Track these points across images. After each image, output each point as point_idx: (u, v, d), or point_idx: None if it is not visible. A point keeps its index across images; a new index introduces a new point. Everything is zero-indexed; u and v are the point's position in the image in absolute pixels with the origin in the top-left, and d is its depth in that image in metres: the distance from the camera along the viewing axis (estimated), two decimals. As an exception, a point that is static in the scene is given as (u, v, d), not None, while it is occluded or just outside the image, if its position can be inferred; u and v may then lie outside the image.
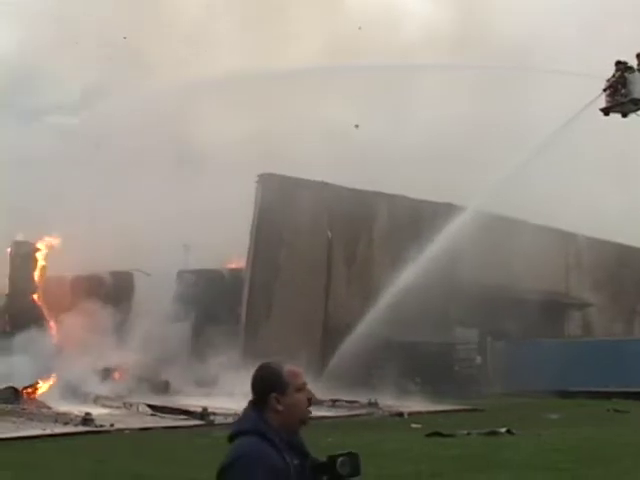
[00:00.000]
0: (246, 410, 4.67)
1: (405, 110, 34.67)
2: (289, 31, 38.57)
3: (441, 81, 35.50)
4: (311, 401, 4.67)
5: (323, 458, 4.59)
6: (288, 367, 4.67)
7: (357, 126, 33.76)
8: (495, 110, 35.22)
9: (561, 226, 40.57)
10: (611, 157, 38.05)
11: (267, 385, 4.62)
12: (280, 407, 4.54)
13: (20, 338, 28.91)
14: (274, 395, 4.55)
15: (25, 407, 24.63)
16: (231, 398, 26.37)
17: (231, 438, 4.68)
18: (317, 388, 28.85)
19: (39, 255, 32.21)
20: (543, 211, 36.79)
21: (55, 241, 31.30)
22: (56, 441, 19.14)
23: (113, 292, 32.05)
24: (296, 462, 4.50)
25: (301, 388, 4.61)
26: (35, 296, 32.06)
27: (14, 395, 25.63)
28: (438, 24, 40.32)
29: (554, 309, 40.18)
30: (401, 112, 34.64)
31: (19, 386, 26.06)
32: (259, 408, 4.59)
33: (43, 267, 32.15)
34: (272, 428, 4.51)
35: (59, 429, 20.82)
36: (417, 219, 34.38)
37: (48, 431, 20.42)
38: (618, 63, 32.34)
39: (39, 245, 32.02)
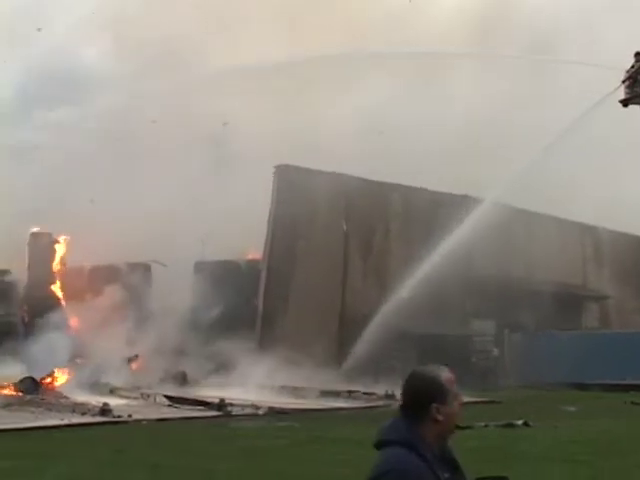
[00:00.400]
0: (396, 418, 4.42)
1: (428, 101, 34.28)
2: (318, 19, 38.26)
3: (466, 70, 35.14)
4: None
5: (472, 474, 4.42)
6: (445, 374, 4.42)
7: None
8: (516, 102, 35.01)
9: (580, 218, 40.52)
10: (631, 148, 37.81)
11: (429, 395, 4.36)
12: (440, 417, 4.32)
13: (38, 328, 29.06)
14: (435, 405, 4.32)
15: (44, 397, 24.68)
16: (248, 389, 26.57)
17: (377, 446, 4.41)
18: (334, 379, 29.07)
19: (57, 246, 32.26)
20: (561, 203, 36.70)
21: (73, 232, 31.27)
22: (74, 431, 19.15)
23: (130, 283, 31.97)
24: (446, 476, 4.27)
25: (457, 395, 4.40)
26: (53, 287, 32.11)
27: (33, 385, 25.74)
28: (462, 12, 39.83)
29: (571, 301, 40.11)
30: (424, 102, 34.25)
31: (37, 376, 26.15)
32: (413, 418, 4.34)
33: (61, 258, 32.20)
34: (424, 440, 4.29)
35: (77, 419, 20.82)
36: (434, 211, 34.27)
37: (66, 421, 20.39)
38: (637, 54, 32.21)
39: (57, 237, 32.06)
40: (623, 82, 32.28)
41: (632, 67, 32.24)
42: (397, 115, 34.07)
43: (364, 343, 32.00)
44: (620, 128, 34.50)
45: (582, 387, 29.76)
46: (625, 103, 32.36)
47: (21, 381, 25.75)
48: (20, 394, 25.07)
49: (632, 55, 31.55)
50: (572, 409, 23.26)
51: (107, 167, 31.94)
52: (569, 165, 34.36)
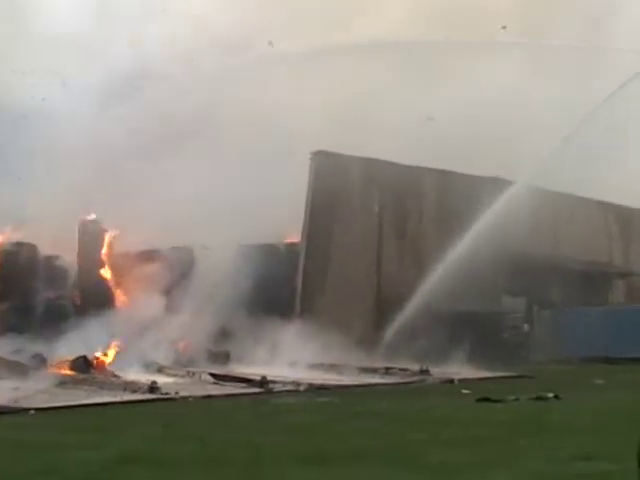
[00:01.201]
0: None
1: (459, 85, 34.03)
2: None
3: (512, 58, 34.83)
4: None
5: None
6: None
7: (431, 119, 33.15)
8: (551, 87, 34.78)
9: (606, 198, 40.40)
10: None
11: None
12: None
13: (89, 311, 29.31)
14: None
15: (96, 376, 24.96)
16: (288, 367, 26.74)
17: None
18: (371, 356, 29.22)
19: (106, 234, 32.47)
20: (588, 183, 36.58)
21: (121, 219, 31.44)
22: (126, 408, 19.40)
23: (175, 266, 32.15)
24: None
25: None
26: (102, 271, 32.33)
27: (85, 365, 25.95)
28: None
29: (598, 278, 40.06)
30: (456, 87, 34.00)
31: (89, 356, 26.41)
32: None
33: (110, 244, 32.41)
34: None
35: (128, 396, 21.04)
36: (465, 193, 34.26)
37: (118, 398, 20.65)
38: None
39: (105, 223, 32.25)
40: None
41: None
42: (430, 101, 33.85)
43: (400, 322, 32.12)
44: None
45: (610, 361, 29.75)
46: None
47: (74, 361, 25.96)
48: (73, 373, 25.36)
49: None
50: (600, 382, 23.28)
51: (154, 153, 31.82)
52: (596, 146, 34.23)
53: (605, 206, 41.77)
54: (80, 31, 35.40)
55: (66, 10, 36.16)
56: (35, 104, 32.61)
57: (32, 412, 18.20)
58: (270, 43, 33.74)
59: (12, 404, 18.85)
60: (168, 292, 30.21)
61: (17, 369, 24.79)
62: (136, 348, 27.73)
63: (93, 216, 32.08)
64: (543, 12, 37.75)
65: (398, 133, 32.81)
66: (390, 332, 31.92)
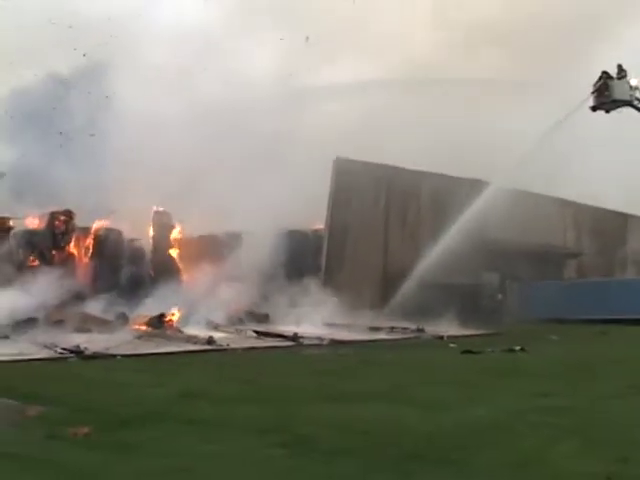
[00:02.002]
0: None
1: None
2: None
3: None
4: None
5: None
6: None
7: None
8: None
9: (563, 195, 40.36)
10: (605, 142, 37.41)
11: None
12: None
13: (161, 281, 29.41)
14: None
15: (165, 331, 25.07)
16: (314, 325, 26.71)
17: None
18: (379, 318, 29.15)
19: (173, 221, 32.56)
20: (549, 182, 36.46)
21: (186, 208, 31.41)
22: (188, 356, 19.41)
23: (227, 248, 32.16)
24: None
25: None
26: (171, 251, 32.41)
27: (158, 322, 26.04)
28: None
29: (555, 258, 39.95)
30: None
31: (161, 316, 26.49)
32: None
33: (175, 229, 32.49)
34: None
35: (190, 347, 21.15)
36: (453, 192, 34.11)
37: (183, 348, 20.76)
38: (604, 72, 32.09)
39: (173, 213, 32.31)
40: (592, 93, 32.15)
41: (598, 80, 32.15)
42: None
43: (402, 291, 32.08)
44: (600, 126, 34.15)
45: (563, 322, 29.56)
46: (594, 109, 32.24)
47: (149, 319, 26.09)
48: (149, 329, 25.50)
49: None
50: (555, 338, 23.18)
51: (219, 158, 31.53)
52: (556, 155, 34.04)
53: (562, 202, 41.58)
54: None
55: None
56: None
57: (118, 358, 18.33)
58: (307, 38, 33.28)
59: (104, 351, 18.98)
60: (222, 267, 30.12)
61: (106, 325, 24.96)
62: (197, 310, 27.74)
63: (163, 208, 32.11)
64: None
65: (410, 144, 32.50)
66: (394, 299, 31.84)
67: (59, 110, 32.59)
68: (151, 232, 32.14)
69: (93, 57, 33.89)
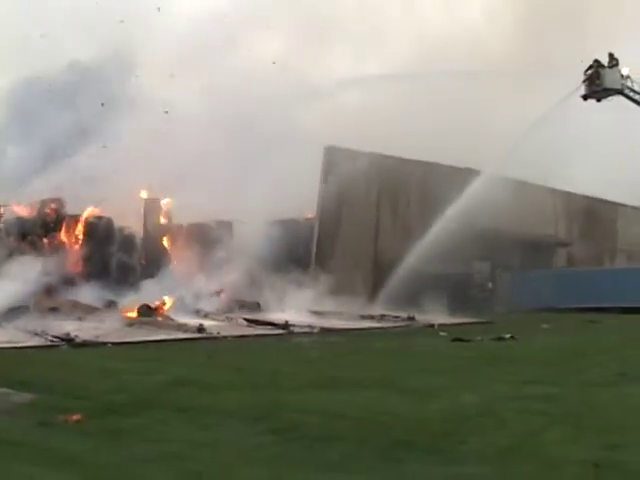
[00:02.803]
0: None
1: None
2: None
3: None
4: None
5: None
6: None
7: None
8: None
9: (553, 184, 40.45)
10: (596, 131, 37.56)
11: None
12: None
13: (151, 269, 29.39)
14: None
15: (156, 319, 25.05)
16: (305, 313, 26.74)
17: None
18: (369, 306, 29.22)
19: (163, 208, 32.48)
20: (540, 171, 36.52)
21: (177, 196, 31.42)
22: (178, 344, 19.52)
23: (218, 236, 32.16)
24: None
25: None
26: (161, 239, 32.34)
27: (148, 310, 26.03)
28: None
29: (545, 247, 40.09)
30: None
31: (151, 304, 26.48)
32: None
33: (166, 218, 32.42)
34: None
35: (180, 335, 21.19)
36: (444, 181, 34.15)
37: (172, 336, 20.81)
38: (595, 61, 32.12)
39: (163, 200, 32.24)
40: (583, 82, 32.19)
41: (590, 68, 32.25)
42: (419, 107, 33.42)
43: (392, 280, 32.14)
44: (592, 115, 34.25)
45: (553, 310, 29.71)
46: (585, 97, 32.33)
47: (140, 307, 26.08)
48: (139, 316, 25.49)
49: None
50: (546, 326, 23.28)
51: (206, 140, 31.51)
52: (549, 141, 34.11)
53: (553, 192, 41.70)
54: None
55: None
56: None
57: (109, 345, 18.35)
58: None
59: (94, 339, 19.00)
60: (212, 256, 30.11)
61: (96, 312, 24.97)
62: (187, 298, 27.75)
63: (155, 196, 32.02)
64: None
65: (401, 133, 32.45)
66: (384, 288, 31.91)
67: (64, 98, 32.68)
68: (142, 220, 31.95)
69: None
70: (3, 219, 30.21)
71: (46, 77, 33.61)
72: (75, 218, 30.91)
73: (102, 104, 32.16)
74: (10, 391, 11.03)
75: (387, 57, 37.32)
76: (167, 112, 31.63)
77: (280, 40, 35.96)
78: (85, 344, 18.27)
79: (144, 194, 32.08)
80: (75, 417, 9.49)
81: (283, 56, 34.64)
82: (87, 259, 29.81)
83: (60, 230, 30.65)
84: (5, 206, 30.63)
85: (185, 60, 34.07)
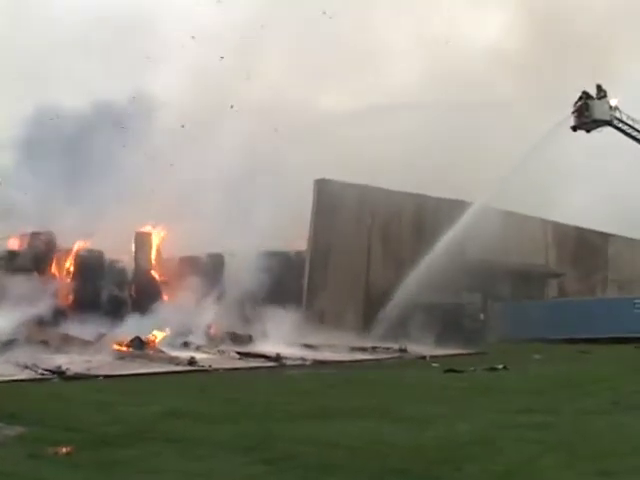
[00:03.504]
0: None
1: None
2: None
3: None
4: None
5: None
6: None
7: None
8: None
9: (544, 215, 40.64)
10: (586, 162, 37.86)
11: None
12: None
13: (142, 302, 29.27)
14: None
15: (147, 352, 24.95)
16: (297, 346, 26.67)
17: None
18: (362, 339, 29.16)
19: (155, 242, 32.41)
20: (531, 202, 36.72)
21: (165, 230, 31.42)
22: (170, 377, 19.45)
23: (209, 269, 32.16)
24: None
25: None
26: (153, 273, 32.28)
27: (140, 344, 25.94)
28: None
29: (537, 278, 40.18)
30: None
31: (143, 337, 26.39)
32: None
33: (157, 251, 32.36)
34: None
35: (172, 368, 21.11)
36: (436, 213, 34.29)
37: (165, 369, 20.74)
38: (584, 92, 32.42)
39: (154, 234, 32.20)
40: (572, 113, 32.45)
41: (579, 100, 32.51)
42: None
43: (384, 312, 32.15)
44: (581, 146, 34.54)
45: (545, 341, 29.68)
46: (574, 129, 32.58)
47: (131, 341, 25.96)
48: (131, 350, 25.39)
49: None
50: (538, 357, 23.26)
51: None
52: (538, 174, 34.29)
53: (544, 222, 41.90)
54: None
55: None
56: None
57: (100, 378, 18.27)
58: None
59: (85, 372, 18.93)
60: (203, 289, 30.07)
61: (87, 346, 24.86)
62: (179, 332, 27.65)
63: (145, 228, 32.00)
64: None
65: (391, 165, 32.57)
66: (376, 320, 31.90)
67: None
68: (133, 253, 31.92)
69: None
70: (-7, 253, 30.21)
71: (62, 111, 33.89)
72: (66, 251, 30.86)
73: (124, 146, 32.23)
74: (0, 424, 10.95)
75: (382, 88, 37.52)
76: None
77: (277, 71, 36.24)
78: (76, 377, 18.19)
79: (136, 227, 32.05)
80: (66, 449, 9.42)
81: (278, 88, 35.03)
82: (78, 292, 29.76)
83: (51, 263, 30.59)
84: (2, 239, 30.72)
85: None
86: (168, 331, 27.43)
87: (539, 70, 37.60)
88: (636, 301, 32.44)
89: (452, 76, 37.38)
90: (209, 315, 29.66)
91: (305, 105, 35.32)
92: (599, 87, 33.79)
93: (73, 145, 33.24)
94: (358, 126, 33.53)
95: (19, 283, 27.81)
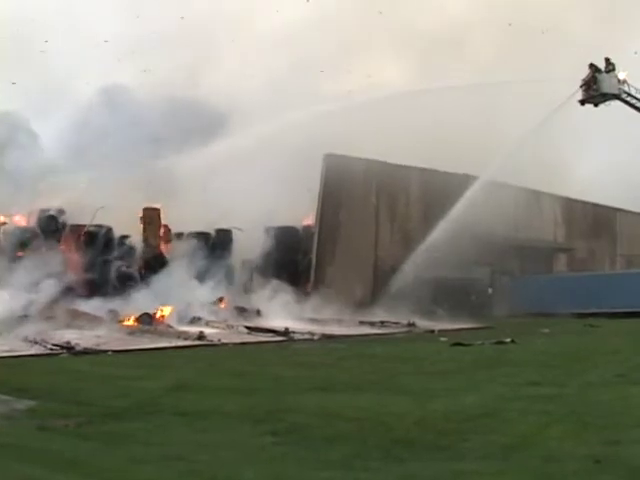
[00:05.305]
0: None
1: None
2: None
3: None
4: None
5: None
6: None
7: None
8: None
9: (553, 190, 40.49)
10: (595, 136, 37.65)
11: None
12: None
13: (151, 278, 29.32)
14: None
15: (156, 327, 25.05)
16: (305, 320, 26.73)
17: None
18: (369, 313, 29.22)
19: (163, 218, 32.40)
20: (541, 178, 36.57)
21: (173, 205, 31.35)
22: (179, 351, 19.50)
23: (217, 245, 32.17)
24: None
25: None
26: (161, 248, 32.25)
27: (148, 319, 26.04)
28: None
29: (545, 252, 40.10)
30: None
31: (152, 312, 26.47)
32: None
33: (165, 226, 32.34)
34: None
35: (182, 343, 21.18)
36: (443, 187, 34.16)
37: (174, 344, 20.82)
38: (591, 65, 32.17)
39: (161, 209, 32.16)
40: (581, 87, 32.23)
41: (587, 75, 32.31)
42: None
43: (393, 286, 32.18)
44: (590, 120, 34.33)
45: (553, 315, 29.64)
46: (582, 102, 32.37)
47: (140, 316, 26.06)
48: (140, 325, 25.48)
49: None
50: (546, 331, 23.23)
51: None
52: (546, 148, 34.14)
53: (552, 197, 41.72)
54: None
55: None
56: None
57: (110, 353, 18.37)
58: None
59: (95, 347, 19.00)
60: (212, 264, 30.11)
61: (96, 321, 24.96)
62: (188, 306, 27.72)
63: (154, 205, 31.97)
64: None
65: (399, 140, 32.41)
66: (385, 294, 31.93)
67: None
68: (142, 229, 31.94)
69: None
70: (3, 229, 30.24)
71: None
72: (75, 227, 30.90)
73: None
74: (10, 398, 11.02)
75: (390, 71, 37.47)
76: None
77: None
78: (85, 352, 18.28)
79: (144, 203, 32.04)
80: (75, 422, 9.47)
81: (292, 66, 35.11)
82: (87, 268, 29.81)
83: (60, 239, 30.64)
84: (6, 216, 30.72)
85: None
86: (177, 306, 27.49)
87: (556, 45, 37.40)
88: (645, 275, 32.40)
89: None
90: (219, 290, 29.71)
91: (315, 85, 35.33)
92: (607, 60, 33.53)
93: (84, 119, 33.27)
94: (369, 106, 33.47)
95: (28, 260, 27.94)
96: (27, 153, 31.58)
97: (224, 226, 32.48)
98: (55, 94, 33.86)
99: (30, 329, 22.14)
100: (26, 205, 30.88)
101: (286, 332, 23.28)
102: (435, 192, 34.53)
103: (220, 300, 29.68)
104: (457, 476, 6.89)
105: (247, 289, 30.98)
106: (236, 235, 32.67)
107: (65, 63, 34.70)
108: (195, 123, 33.01)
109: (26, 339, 20.56)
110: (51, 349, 18.84)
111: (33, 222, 30.91)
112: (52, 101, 33.82)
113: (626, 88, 34.16)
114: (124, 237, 31.09)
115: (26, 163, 30.84)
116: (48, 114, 33.31)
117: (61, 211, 30.76)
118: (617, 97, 34.01)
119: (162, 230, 32.33)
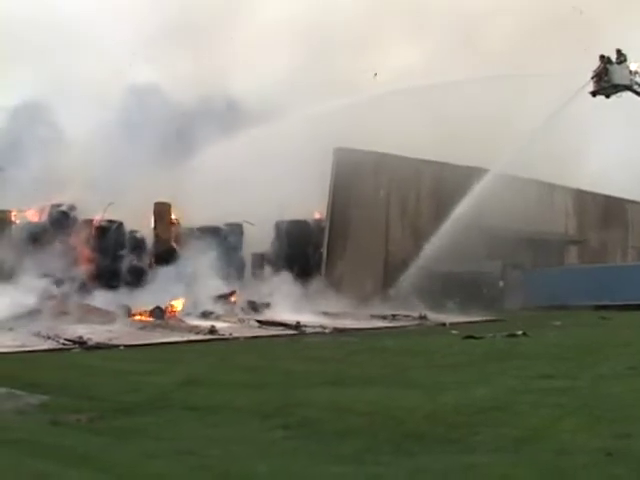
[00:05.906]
0: None
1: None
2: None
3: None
4: None
5: None
6: None
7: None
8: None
9: (565, 182, 40.37)
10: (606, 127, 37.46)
11: None
12: None
13: (163, 272, 29.37)
14: None
15: (168, 321, 25.11)
16: (316, 314, 26.74)
17: None
18: (381, 306, 29.21)
19: (173, 212, 32.43)
20: (552, 170, 36.45)
21: (187, 200, 31.36)
22: (191, 345, 19.52)
23: (228, 238, 32.18)
24: None
25: None
26: (172, 242, 32.28)
27: (160, 313, 26.13)
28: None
29: (556, 245, 40.01)
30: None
31: (163, 306, 26.54)
32: None
33: (177, 220, 32.39)
34: None
35: (193, 337, 21.23)
36: (454, 180, 34.07)
37: (185, 338, 20.86)
38: (602, 57, 32.01)
39: (172, 204, 32.19)
40: (592, 78, 32.08)
41: (598, 67, 32.15)
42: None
43: (404, 279, 32.17)
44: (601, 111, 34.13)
45: (565, 308, 29.57)
46: (594, 94, 32.22)
47: (151, 310, 26.16)
48: (151, 319, 25.55)
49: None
50: (558, 323, 23.18)
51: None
52: (558, 141, 34.00)
53: (564, 189, 41.61)
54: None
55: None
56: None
57: (121, 348, 18.42)
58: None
59: (107, 342, 19.06)
60: (223, 258, 30.13)
61: (108, 316, 25.02)
62: (199, 301, 27.78)
63: (164, 199, 32.00)
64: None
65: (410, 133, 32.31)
66: (396, 288, 31.93)
67: None
68: (152, 223, 31.98)
69: None
70: (15, 224, 30.36)
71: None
72: (86, 222, 30.98)
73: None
74: (23, 393, 11.06)
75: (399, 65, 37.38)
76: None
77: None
78: (98, 347, 18.34)
79: (154, 197, 32.08)
80: (87, 417, 9.51)
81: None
82: (98, 263, 29.89)
83: (71, 234, 30.71)
84: (18, 211, 30.81)
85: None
86: (188, 300, 27.53)
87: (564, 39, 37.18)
88: (657, 267, 32.27)
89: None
90: (230, 284, 29.76)
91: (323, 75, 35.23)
92: (619, 51, 33.35)
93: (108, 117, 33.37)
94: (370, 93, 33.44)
95: (40, 255, 28.02)
96: (48, 148, 31.53)
97: (235, 220, 32.46)
98: (78, 88, 33.70)
99: (42, 324, 22.22)
100: (41, 200, 30.93)
101: (297, 326, 23.32)
102: (447, 185, 34.45)
103: (231, 294, 29.69)
104: (468, 469, 6.87)
105: (258, 281, 31.00)
106: (247, 229, 32.69)
107: (86, 58, 34.41)
108: (206, 119, 32.99)
109: (38, 334, 20.62)
110: (63, 344, 18.90)
111: (45, 217, 30.97)
112: (75, 95, 33.68)
113: (638, 79, 33.97)
114: (134, 232, 31.11)
115: (47, 157, 30.82)
116: (73, 107, 33.10)
117: (72, 207, 30.80)
118: (629, 88, 33.81)
119: (173, 224, 32.37)
